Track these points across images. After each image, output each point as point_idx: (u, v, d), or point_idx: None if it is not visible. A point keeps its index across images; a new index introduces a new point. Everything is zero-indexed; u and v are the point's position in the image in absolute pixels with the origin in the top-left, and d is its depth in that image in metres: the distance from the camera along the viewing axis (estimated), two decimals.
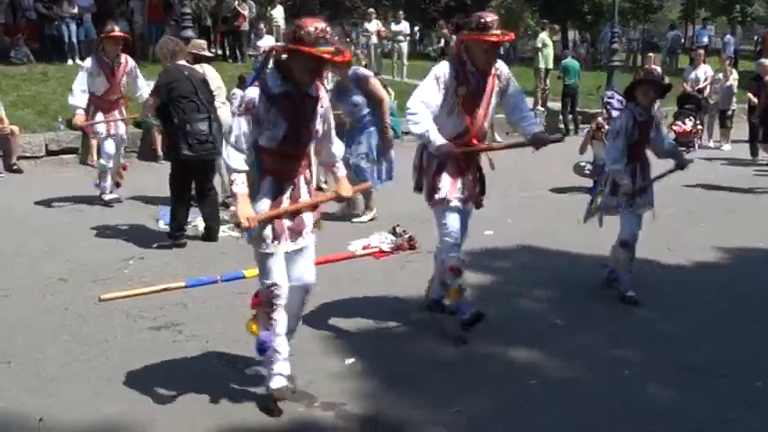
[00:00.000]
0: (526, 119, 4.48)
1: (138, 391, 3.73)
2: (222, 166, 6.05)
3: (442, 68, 4.27)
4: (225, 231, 7.04)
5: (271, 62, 3.45)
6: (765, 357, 4.31)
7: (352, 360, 4.17)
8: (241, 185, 3.41)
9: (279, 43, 3.48)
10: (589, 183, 9.52)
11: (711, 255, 6.44)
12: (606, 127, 9.60)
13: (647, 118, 5.15)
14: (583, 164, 9.54)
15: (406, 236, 6.57)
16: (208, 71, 7.69)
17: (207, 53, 8.42)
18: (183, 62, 6.70)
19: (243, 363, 4.08)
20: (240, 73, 13.66)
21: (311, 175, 3.73)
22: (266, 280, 3.55)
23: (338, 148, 3.80)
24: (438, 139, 4.14)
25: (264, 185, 3.49)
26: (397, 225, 6.67)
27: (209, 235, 6.84)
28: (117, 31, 8.02)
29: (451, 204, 4.34)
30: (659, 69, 16.39)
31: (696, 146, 12.83)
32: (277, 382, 3.54)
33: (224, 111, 8.26)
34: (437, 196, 4.35)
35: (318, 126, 3.56)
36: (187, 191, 6.74)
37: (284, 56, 3.37)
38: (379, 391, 3.82)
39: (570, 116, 15.51)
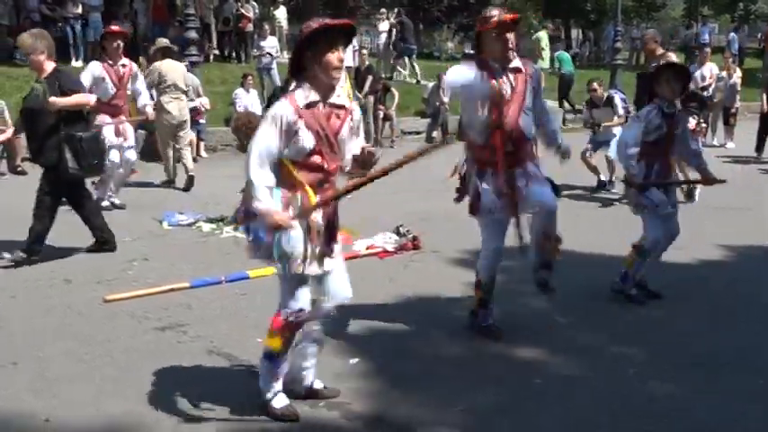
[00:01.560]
0: (550, 122, 4.58)
1: (143, 391, 3.75)
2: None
3: (470, 72, 4.22)
4: (229, 232, 7.06)
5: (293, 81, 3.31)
6: (766, 357, 4.31)
7: (356, 360, 4.19)
8: (268, 200, 3.17)
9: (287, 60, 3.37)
10: (589, 180, 9.53)
11: (715, 253, 6.44)
12: (600, 89, 9.37)
13: (674, 110, 4.97)
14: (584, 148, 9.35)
15: (410, 236, 6.60)
16: (167, 65, 9.10)
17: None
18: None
19: (247, 363, 4.09)
20: (244, 73, 13.79)
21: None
22: (293, 305, 3.36)
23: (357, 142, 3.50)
24: None
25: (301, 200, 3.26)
26: (401, 225, 6.69)
27: (109, 247, 6.32)
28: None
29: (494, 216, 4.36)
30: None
31: (700, 144, 12.80)
32: (279, 402, 3.52)
33: (175, 105, 8.64)
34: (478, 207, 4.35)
35: (346, 136, 3.36)
36: (57, 205, 6.20)
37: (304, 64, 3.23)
38: (384, 390, 3.83)
39: (567, 104, 15.94)
